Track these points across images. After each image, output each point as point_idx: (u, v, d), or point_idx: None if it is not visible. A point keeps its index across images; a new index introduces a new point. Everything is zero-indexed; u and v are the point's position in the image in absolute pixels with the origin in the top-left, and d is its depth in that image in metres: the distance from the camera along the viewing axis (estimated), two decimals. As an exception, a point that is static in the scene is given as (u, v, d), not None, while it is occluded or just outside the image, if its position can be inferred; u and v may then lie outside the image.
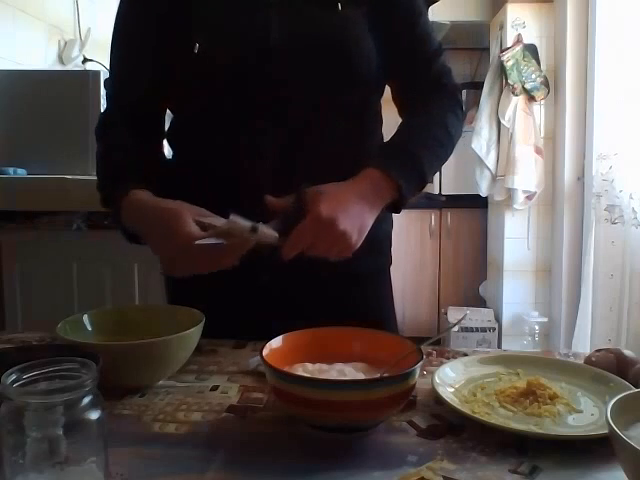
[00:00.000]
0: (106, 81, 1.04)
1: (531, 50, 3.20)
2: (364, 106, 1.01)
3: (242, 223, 0.78)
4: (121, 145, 0.98)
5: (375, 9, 0.95)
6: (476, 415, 0.67)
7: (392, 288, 1.11)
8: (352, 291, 1.01)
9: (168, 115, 1.06)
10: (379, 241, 1.05)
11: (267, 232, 0.79)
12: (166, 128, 1.07)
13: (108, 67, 1.04)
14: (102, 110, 1.09)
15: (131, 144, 0.97)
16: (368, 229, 0.84)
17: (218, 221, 0.80)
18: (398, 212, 0.92)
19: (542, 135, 3.24)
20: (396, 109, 1.05)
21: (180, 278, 0.85)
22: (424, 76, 1.01)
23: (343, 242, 0.81)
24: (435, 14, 3.15)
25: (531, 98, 3.18)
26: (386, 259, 1.10)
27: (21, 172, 1.87)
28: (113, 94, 1.05)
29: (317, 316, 0.78)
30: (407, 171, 0.88)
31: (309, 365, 0.72)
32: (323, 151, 0.94)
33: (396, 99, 1.04)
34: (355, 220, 0.81)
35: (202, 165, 0.99)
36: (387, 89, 1.05)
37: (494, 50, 3.43)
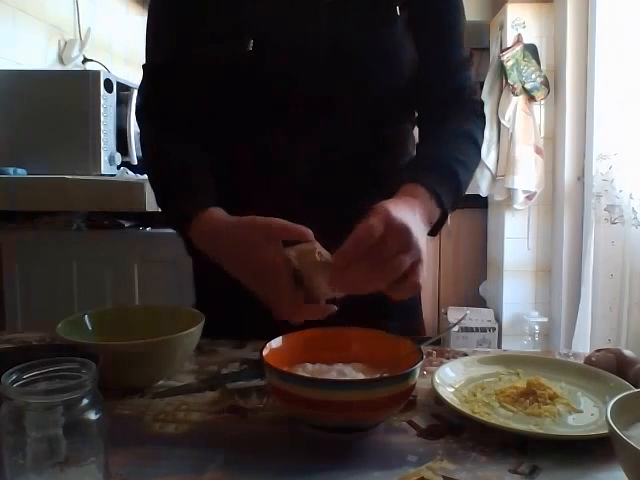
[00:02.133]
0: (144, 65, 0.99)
1: (531, 50, 3.20)
2: (400, 119, 1.00)
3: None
4: (178, 147, 0.92)
5: (418, 12, 0.93)
6: (476, 415, 0.67)
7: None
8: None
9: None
10: None
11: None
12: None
13: (145, 49, 0.98)
14: (137, 91, 1.04)
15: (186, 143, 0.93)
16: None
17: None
18: (434, 235, 0.83)
19: (542, 135, 3.24)
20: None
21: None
22: (449, 86, 0.98)
23: (417, 252, 0.68)
24: (435, 14, 3.14)
25: (531, 98, 3.18)
26: None
27: (21, 172, 1.87)
28: (152, 73, 0.99)
29: (342, 316, 0.75)
30: (451, 195, 0.83)
31: (309, 365, 0.72)
32: (357, 165, 0.93)
33: (417, 105, 1.01)
34: (422, 237, 0.72)
35: (225, 167, 0.95)
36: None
37: (494, 50, 3.43)
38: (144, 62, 0.99)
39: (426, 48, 0.94)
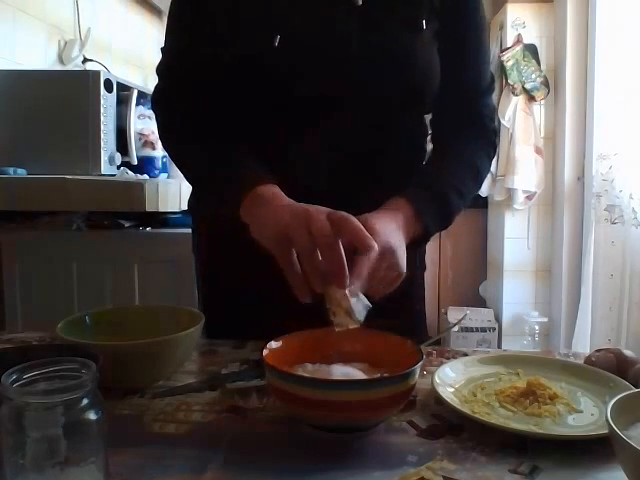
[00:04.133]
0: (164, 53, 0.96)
1: (531, 50, 3.20)
2: (420, 125, 1.00)
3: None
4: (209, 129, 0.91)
5: (444, 31, 0.93)
6: (476, 415, 0.67)
7: (424, 291, 1.10)
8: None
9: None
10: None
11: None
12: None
13: (165, 38, 0.96)
14: (154, 86, 1.00)
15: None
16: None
17: None
18: (415, 248, 0.89)
19: (542, 135, 3.24)
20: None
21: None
22: (467, 110, 0.98)
23: (401, 268, 0.76)
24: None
25: (531, 98, 3.18)
26: (421, 265, 1.10)
27: (21, 172, 1.87)
28: (172, 64, 0.97)
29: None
30: (438, 217, 0.87)
31: (309, 365, 0.72)
32: (361, 165, 0.93)
33: (433, 122, 1.02)
34: (403, 251, 0.78)
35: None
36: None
37: (494, 50, 3.43)
38: (164, 47, 0.97)
39: (453, 67, 0.94)
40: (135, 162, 2.11)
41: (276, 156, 0.89)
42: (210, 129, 0.92)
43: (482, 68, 0.99)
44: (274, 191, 0.80)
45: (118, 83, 2.03)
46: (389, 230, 0.76)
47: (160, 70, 0.98)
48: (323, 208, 0.72)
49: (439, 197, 0.88)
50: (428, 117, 1.03)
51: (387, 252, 0.73)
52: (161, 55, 0.97)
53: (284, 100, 0.89)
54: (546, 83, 3.19)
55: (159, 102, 0.98)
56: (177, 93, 0.95)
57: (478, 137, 0.99)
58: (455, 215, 0.91)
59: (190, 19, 0.94)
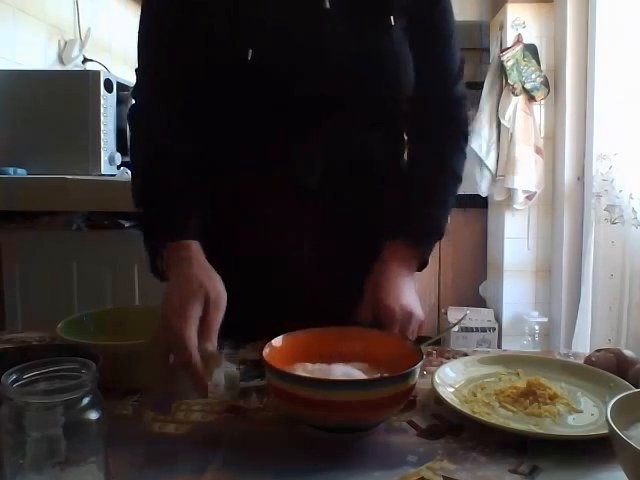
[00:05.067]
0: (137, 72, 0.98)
1: (531, 50, 3.20)
2: (398, 117, 1.01)
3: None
4: (169, 164, 0.91)
5: (411, 24, 0.94)
6: (476, 415, 0.67)
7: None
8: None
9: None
10: None
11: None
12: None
13: (137, 58, 1.00)
14: (131, 95, 1.03)
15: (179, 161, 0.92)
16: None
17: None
18: (419, 271, 0.98)
19: (542, 135, 3.24)
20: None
21: None
22: (438, 100, 1.00)
23: (418, 320, 0.86)
24: (435, 14, 3.14)
25: (531, 98, 3.18)
26: None
27: (21, 172, 1.87)
28: (144, 83, 1.02)
29: (332, 318, 0.78)
30: (431, 243, 0.96)
31: (309, 365, 0.72)
32: (361, 164, 0.95)
33: (406, 111, 1.03)
34: (416, 300, 0.89)
35: (231, 172, 0.96)
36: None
37: (494, 50, 3.43)
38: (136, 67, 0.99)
39: (423, 59, 0.96)
40: (135, 162, 2.10)
41: (263, 157, 0.91)
42: (174, 157, 0.91)
43: (454, 54, 1.00)
44: (188, 254, 0.80)
45: (118, 83, 2.03)
46: (402, 291, 0.87)
47: (136, 92, 1.00)
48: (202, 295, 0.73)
49: (432, 225, 0.96)
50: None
51: (410, 317, 0.84)
52: (135, 76, 1.00)
53: (266, 105, 0.90)
54: (546, 83, 3.19)
55: (134, 118, 0.99)
56: (153, 112, 0.96)
57: (453, 133, 1.01)
58: (444, 227, 0.98)
59: (161, 40, 0.96)
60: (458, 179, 1.00)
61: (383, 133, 0.98)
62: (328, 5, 0.89)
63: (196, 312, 0.72)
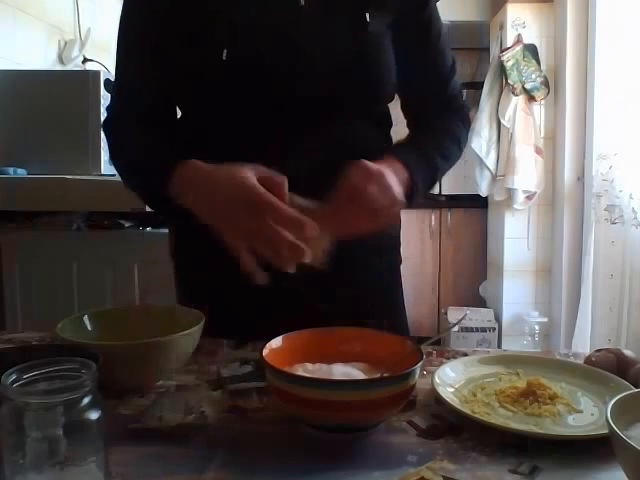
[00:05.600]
0: (111, 83, 0.96)
1: (531, 50, 3.20)
2: (382, 116, 1.02)
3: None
4: (147, 138, 0.92)
5: (398, 22, 0.95)
6: (476, 415, 0.67)
7: (402, 286, 1.12)
8: (364, 291, 1.02)
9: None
10: (390, 238, 1.07)
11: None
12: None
13: (115, 70, 0.98)
14: (105, 108, 1.02)
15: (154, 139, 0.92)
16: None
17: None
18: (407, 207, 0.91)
19: (542, 135, 3.24)
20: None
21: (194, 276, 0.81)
22: (437, 97, 1.02)
23: (391, 195, 0.78)
24: (435, 14, 3.15)
25: (531, 98, 3.18)
26: (396, 258, 1.11)
27: (21, 172, 1.87)
28: (122, 95, 0.99)
29: (328, 316, 0.79)
30: (425, 175, 0.89)
31: (309, 365, 0.72)
32: (345, 161, 0.95)
33: (406, 113, 1.05)
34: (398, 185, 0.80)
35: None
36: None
37: (494, 50, 3.43)
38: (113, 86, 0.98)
39: (416, 60, 0.97)
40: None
41: (257, 158, 0.91)
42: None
43: (445, 52, 1.02)
44: (201, 164, 0.79)
45: (118, 83, 2.03)
46: (381, 167, 0.79)
47: (111, 106, 0.98)
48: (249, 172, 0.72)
49: (424, 156, 0.91)
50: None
51: (376, 177, 0.76)
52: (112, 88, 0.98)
53: (246, 105, 0.90)
54: (546, 83, 3.19)
55: (110, 132, 0.97)
56: (129, 123, 0.95)
57: (454, 118, 1.03)
58: (440, 175, 0.95)
59: (139, 50, 0.94)
60: (459, 143, 1.00)
61: (373, 132, 0.98)
62: (303, 2, 0.90)
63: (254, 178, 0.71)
